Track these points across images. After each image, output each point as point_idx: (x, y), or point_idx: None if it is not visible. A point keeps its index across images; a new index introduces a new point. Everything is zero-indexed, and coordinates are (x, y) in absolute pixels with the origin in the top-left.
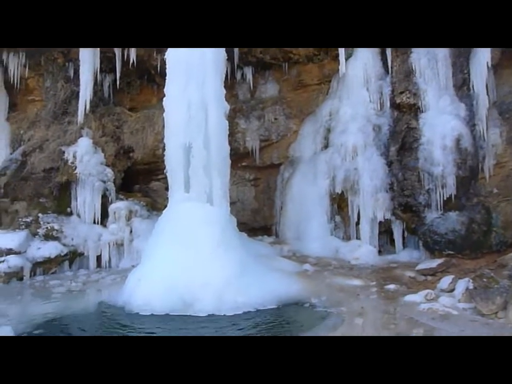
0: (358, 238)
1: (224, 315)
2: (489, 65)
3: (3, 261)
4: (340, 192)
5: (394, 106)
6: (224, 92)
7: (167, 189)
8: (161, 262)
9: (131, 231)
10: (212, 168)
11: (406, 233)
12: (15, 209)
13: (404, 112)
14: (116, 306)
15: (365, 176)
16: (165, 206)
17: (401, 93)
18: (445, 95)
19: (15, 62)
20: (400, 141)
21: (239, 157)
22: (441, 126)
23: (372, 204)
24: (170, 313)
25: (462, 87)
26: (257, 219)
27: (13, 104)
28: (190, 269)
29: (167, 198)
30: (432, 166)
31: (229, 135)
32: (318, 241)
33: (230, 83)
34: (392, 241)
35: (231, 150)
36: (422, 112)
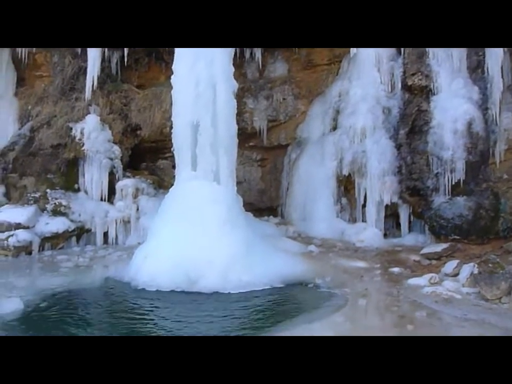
0: (364, 220)
1: (229, 293)
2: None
3: (12, 235)
4: (347, 174)
5: (406, 88)
6: (233, 70)
7: (174, 167)
8: (167, 239)
9: (138, 209)
10: (219, 146)
11: (412, 217)
12: (24, 185)
13: (415, 94)
14: (122, 282)
15: (372, 159)
16: (172, 184)
17: (413, 74)
18: (458, 77)
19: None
20: (410, 124)
21: (246, 137)
22: (453, 109)
23: (379, 186)
24: (176, 290)
25: (476, 69)
26: (263, 199)
27: (20, 79)
28: (195, 246)
29: (174, 176)
30: (441, 150)
31: (236, 115)
32: (324, 223)
33: (239, 62)
34: (398, 224)
35: (238, 129)
36: (434, 94)
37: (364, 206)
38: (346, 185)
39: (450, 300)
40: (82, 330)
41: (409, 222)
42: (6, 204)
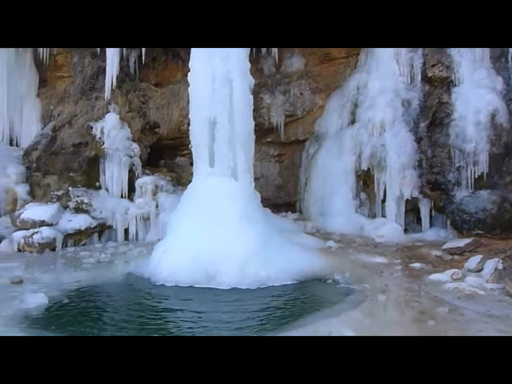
0: (383, 215)
1: (247, 288)
2: None
3: (37, 232)
4: (366, 168)
5: (426, 79)
6: (249, 65)
7: (192, 164)
8: (185, 235)
9: (157, 205)
10: (236, 142)
11: (433, 212)
12: (47, 183)
13: (436, 86)
14: (142, 277)
15: (392, 153)
16: (190, 181)
17: (434, 65)
18: (481, 67)
19: None
20: (431, 116)
21: (263, 133)
22: (475, 101)
23: (398, 181)
24: (194, 285)
25: (500, 58)
26: (281, 195)
27: (43, 80)
28: (213, 242)
29: (192, 173)
30: (464, 142)
31: (253, 110)
32: (342, 218)
33: (255, 57)
34: (419, 219)
35: (255, 125)
36: (455, 86)
37: (383, 200)
38: (365, 180)
39: (473, 295)
40: (102, 325)
41: (430, 216)
42: (31, 201)
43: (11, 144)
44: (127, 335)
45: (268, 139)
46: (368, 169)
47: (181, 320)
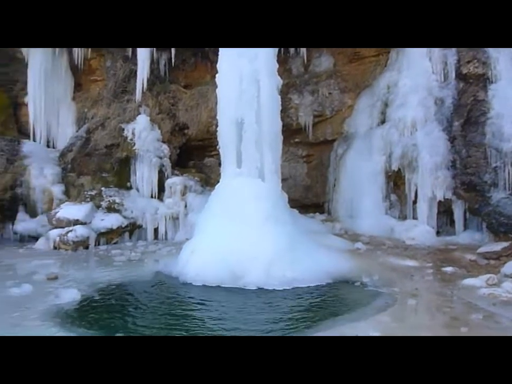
0: (414, 217)
1: (273, 289)
2: None
3: (71, 230)
4: (396, 169)
5: (460, 77)
6: (277, 66)
7: (220, 164)
8: (212, 235)
9: (186, 206)
10: (264, 143)
11: (467, 214)
12: (81, 183)
13: (471, 83)
14: (170, 276)
15: (424, 153)
16: (218, 182)
17: (468, 62)
18: None
19: None
20: (465, 115)
21: (291, 133)
22: None
23: (431, 182)
24: (221, 285)
25: None
26: (309, 196)
27: (77, 84)
28: (240, 242)
29: (220, 174)
30: (501, 141)
31: (281, 111)
32: (372, 220)
33: (283, 57)
34: (452, 222)
35: (283, 126)
36: (492, 83)
37: (414, 202)
38: (395, 181)
39: (509, 302)
40: (130, 320)
41: (465, 219)
42: (66, 201)
43: (48, 146)
44: (153, 332)
45: (296, 139)
46: (399, 169)
47: (208, 318)
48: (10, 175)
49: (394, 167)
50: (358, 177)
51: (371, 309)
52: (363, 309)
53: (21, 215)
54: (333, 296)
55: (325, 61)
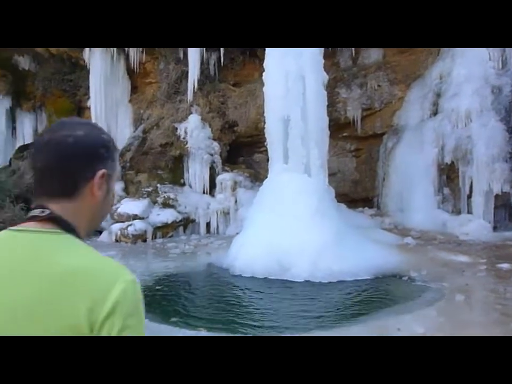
0: (469, 212)
1: (320, 282)
2: None
3: (131, 225)
4: (449, 162)
5: None
6: (323, 61)
7: (268, 160)
8: (261, 229)
9: (236, 201)
10: (310, 139)
11: None
12: (139, 180)
13: None
14: (221, 268)
15: (479, 145)
16: (267, 177)
17: None
18: None
19: (134, 49)
20: None
21: (339, 127)
22: None
23: (487, 175)
24: (269, 277)
25: None
26: (358, 190)
27: (134, 87)
28: (287, 236)
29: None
30: None
31: (329, 105)
32: (423, 214)
33: (331, 51)
34: (511, 216)
35: (331, 120)
36: None
37: (469, 196)
38: (448, 174)
39: None
40: (186, 307)
41: None
42: (125, 197)
43: None
44: (204, 318)
45: (344, 134)
46: (452, 162)
47: (255, 309)
48: None
49: (447, 160)
50: (409, 170)
51: (417, 303)
52: (409, 303)
53: None
54: (378, 289)
55: (373, 52)
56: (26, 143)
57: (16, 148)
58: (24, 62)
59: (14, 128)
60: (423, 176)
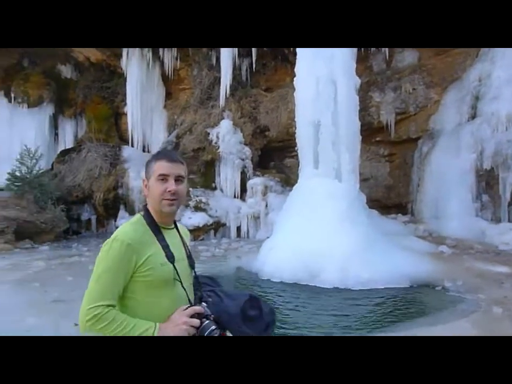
0: (510, 220)
1: (349, 289)
2: None
3: None
4: (488, 167)
5: None
6: (354, 65)
7: (299, 165)
8: (290, 234)
9: (266, 205)
10: (341, 144)
11: None
12: None
13: None
14: (250, 272)
15: None
16: (297, 182)
17: None
18: None
19: (169, 56)
20: None
21: (372, 132)
22: None
23: None
24: (298, 282)
25: None
26: (391, 196)
27: (168, 93)
28: (316, 242)
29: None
30: None
31: (361, 109)
32: (459, 222)
33: (364, 54)
34: None
35: (364, 124)
36: None
37: (510, 203)
38: (487, 180)
39: None
40: None
41: None
42: None
43: (143, 151)
44: None
45: (377, 138)
46: (492, 168)
47: (284, 316)
48: (113, 178)
49: (486, 165)
50: (445, 176)
51: (451, 314)
52: (442, 313)
53: (122, 212)
54: (410, 299)
55: (408, 55)
56: (67, 147)
57: (58, 152)
58: (66, 70)
59: (56, 134)
60: (459, 182)
